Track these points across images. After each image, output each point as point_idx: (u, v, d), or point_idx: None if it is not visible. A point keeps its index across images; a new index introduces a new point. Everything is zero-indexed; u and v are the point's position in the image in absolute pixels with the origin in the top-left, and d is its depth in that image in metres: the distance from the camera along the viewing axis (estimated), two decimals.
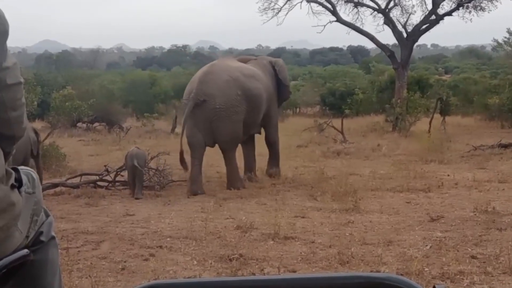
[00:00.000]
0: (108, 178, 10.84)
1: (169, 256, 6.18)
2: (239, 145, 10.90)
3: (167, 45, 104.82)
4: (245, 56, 12.88)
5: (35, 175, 2.01)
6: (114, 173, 10.85)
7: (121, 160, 11.49)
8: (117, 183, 10.68)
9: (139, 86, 28.34)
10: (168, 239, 6.86)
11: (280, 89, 11.65)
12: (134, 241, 6.77)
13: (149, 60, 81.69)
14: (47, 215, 2.06)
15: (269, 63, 11.70)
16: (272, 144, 11.53)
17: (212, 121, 10.17)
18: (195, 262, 5.97)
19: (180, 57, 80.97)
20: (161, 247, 6.52)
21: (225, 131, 10.23)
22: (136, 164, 9.64)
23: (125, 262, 5.98)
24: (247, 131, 10.86)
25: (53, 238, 2.07)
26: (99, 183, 10.67)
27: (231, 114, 10.20)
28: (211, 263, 5.92)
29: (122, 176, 10.67)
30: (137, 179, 9.71)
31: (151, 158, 11.44)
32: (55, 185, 10.29)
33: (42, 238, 2.00)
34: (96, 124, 23.06)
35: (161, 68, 65.60)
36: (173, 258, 6.13)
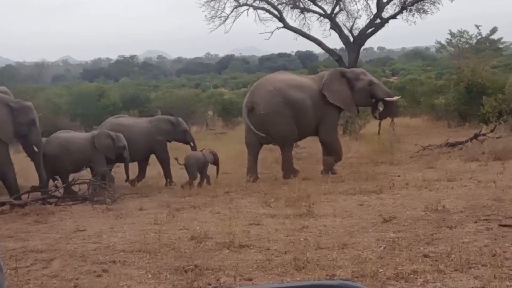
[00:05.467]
0: (57, 194, 10.63)
1: (122, 271, 6.04)
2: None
3: (114, 56, 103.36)
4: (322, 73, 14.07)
5: None
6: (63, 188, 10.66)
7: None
8: (66, 199, 10.47)
9: (86, 99, 27.86)
10: (121, 253, 6.72)
11: (354, 94, 12.87)
12: (86, 257, 6.60)
13: (96, 72, 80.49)
14: None
15: (339, 73, 13.08)
16: (324, 144, 12.94)
17: (262, 124, 12.17)
18: (150, 276, 5.87)
19: (128, 68, 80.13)
20: (114, 262, 6.37)
21: (275, 131, 12.26)
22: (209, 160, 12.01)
23: (77, 279, 5.83)
24: (304, 133, 12.77)
25: None
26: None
27: (276, 118, 12.16)
28: (166, 276, 5.82)
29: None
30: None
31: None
32: (2, 204, 10.01)
33: None
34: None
35: (109, 79, 64.78)
36: (127, 272, 6.00)
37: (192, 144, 13.37)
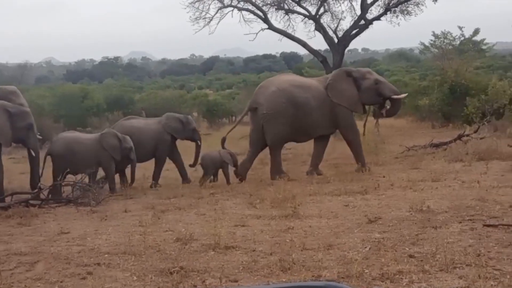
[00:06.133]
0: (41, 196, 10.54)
1: (107, 273, 6.00)
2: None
3: (98, 58, 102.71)
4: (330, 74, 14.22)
5: None
6: (47, 190, 10.57)
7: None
8: (50, 201, 10.38)
9: (70, 100, 27.69)
10: (106, 255, 6.67)
11: (361, 93, 12.91)
12: (70, 259, 6.55)
13: (80, 73, 79.92)
14: None
15: (345, 73, 13.19)
16: (348, 143, 12.98)
17: (263, 124, 12.39)
18: (135, 278, 5.83)
19: (112, 69, 79.67)
20: (99, 264, 6.33)
21: (271, 132, 12.39)
22: (226, 160, 12.13)
23: (61, 282, 5.78)
24: (309, 133, 12.81)
25: None
26: (31, 201, 10.34)
27: (277, 118, 12.32)
28: (151, 278, 5.79)
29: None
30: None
31: (87, 175, 11.22)
32: None
33: None
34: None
35: (93, 81, 64.36)
36: (112, 275, 5.96)
37: (199, 142, 13.38)
